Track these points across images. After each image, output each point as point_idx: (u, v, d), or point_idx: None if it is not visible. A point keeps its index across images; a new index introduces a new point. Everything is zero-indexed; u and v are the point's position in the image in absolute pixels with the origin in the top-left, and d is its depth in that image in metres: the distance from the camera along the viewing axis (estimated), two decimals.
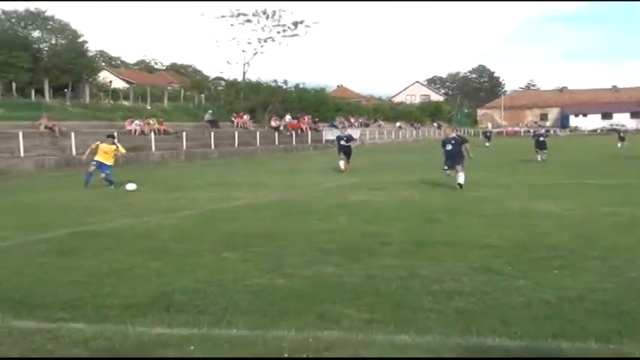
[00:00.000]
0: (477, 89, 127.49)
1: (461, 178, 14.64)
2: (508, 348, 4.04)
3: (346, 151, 22.16)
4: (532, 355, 3.98)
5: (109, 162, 16.68)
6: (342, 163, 21.60)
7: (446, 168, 15.28)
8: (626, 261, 6.62)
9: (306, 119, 49.31)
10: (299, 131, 46.80)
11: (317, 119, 51.57)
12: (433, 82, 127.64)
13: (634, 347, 4.01)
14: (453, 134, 16.54)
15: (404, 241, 8.04)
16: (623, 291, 5.44)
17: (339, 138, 23.58)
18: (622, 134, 42.04)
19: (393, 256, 7.14)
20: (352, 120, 58.59)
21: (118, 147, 17.10)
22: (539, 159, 25.75)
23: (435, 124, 77.32)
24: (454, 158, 15.06)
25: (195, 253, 7.44)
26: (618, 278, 5.89)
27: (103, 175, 16.49)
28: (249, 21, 53.02)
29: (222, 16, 53.04)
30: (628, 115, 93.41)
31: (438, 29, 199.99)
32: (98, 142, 17.02)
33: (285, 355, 3.97)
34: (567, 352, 3.97)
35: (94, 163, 16.59)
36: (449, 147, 15.30)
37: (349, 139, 23.15)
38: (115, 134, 18.92)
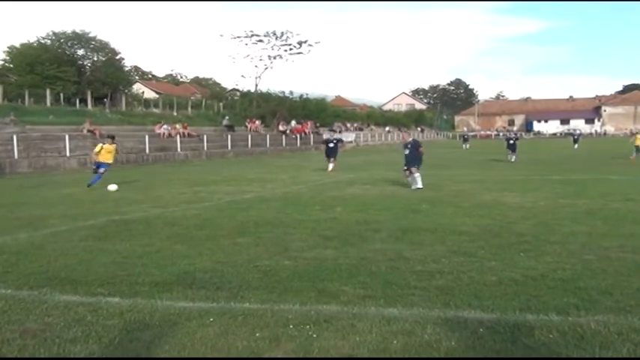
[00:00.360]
0: (454, 99, 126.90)
1: (418, 182, 13.43)
2: (482, 319, 4.01)
3: (334, 151, 20.81)
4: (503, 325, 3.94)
5: (111, 161, 16.01)
6: (330, 165, 20.49)
7: (405, 169, 14.19)
8: (581, 245, 6.58)
9: (309, 124, 49.24)
10: (303, 134, 46.73)
11: (318, 124, 51.47)
12: (417, 93, 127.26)
13: (589, 319, 3.97)
14: (410, 139, 15.31)
15: (392, 228, 7.99)
16: (580, 271, 5.40)
17: (328, 141, 21.67)
18: (576, 137, 42.74)
19: (382, 241, 7.10)
20: (348, 125, 58.51)
21: (116, 145, 16.48)
22: (512, 159, 24.88)
23: (419, 129, 77.32)
24: (410, 161, 14.00)
25: (214, 238, 7.40)
26: (575, 260, 5.85)
27: (102, 170, 15.49)
28: (260, 41, 52.82)
29: (238, 37, 52.86)
30: (583, 121, 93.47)
31: (421, 48, 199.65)
32: (101, 144, 16.08)
33: (291, 326, 3.93)
34: (532, 323, 3.93)
35: (99, 165, 15.62)
36: (406, 151, 14.29)
37: (339, 140, 21.67)
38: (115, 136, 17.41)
